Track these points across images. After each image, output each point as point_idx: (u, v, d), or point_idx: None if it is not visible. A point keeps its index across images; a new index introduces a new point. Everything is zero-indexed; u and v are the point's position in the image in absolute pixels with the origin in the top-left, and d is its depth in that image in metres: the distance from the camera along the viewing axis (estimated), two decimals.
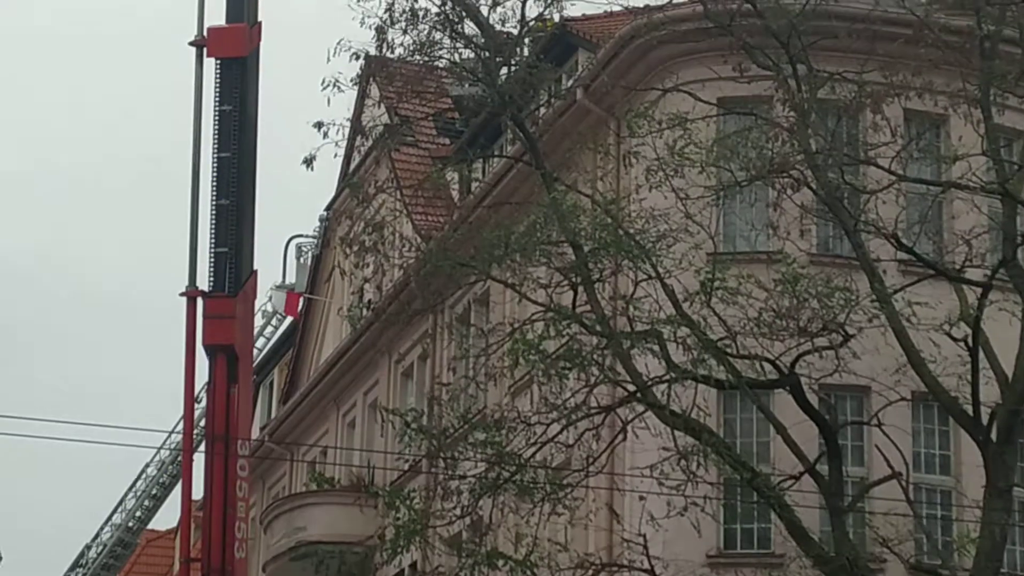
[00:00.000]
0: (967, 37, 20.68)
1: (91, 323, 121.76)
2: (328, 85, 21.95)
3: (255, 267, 23.38)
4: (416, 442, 22.33)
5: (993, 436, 20.03)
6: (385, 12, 21.50)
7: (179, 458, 25.78)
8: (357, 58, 22.31)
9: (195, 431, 23.18)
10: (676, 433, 20.08)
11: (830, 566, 19.71)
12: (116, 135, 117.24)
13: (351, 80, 22.80)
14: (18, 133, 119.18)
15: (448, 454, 21.37)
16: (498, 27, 21.96)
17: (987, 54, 20.29)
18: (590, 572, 20.87)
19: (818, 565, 19.93)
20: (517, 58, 22.86)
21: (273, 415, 43.87)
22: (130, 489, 47.43)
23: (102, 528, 48.22)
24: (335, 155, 26.28)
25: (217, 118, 21.40)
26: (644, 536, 20.42)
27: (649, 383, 20.10)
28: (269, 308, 43.00)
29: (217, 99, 21.41)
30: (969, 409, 20.13)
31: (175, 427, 33.43)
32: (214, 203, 22.51)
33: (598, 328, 20.11)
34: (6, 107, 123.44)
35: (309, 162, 22.92)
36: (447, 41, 22.13)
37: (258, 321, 35.75)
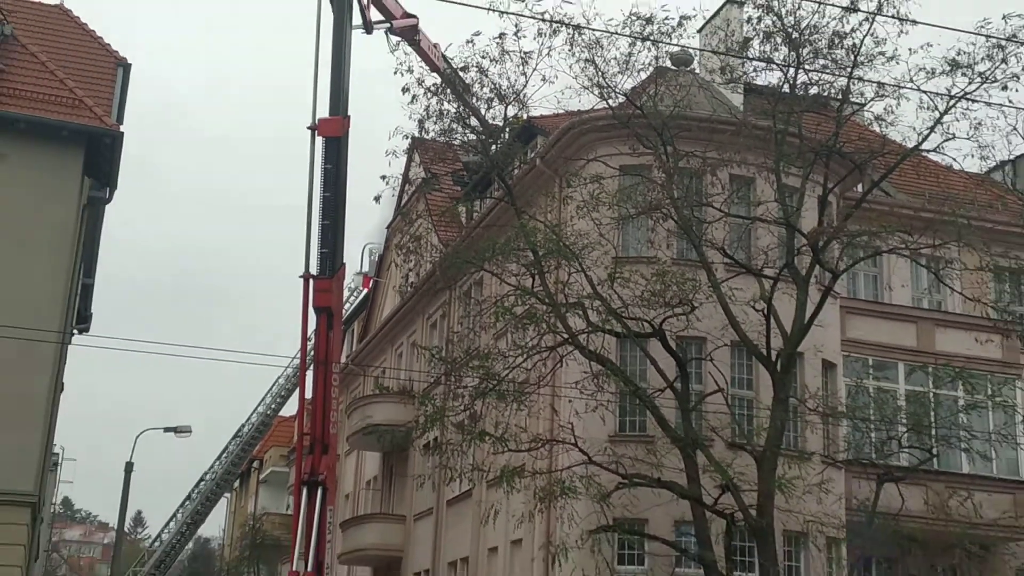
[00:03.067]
0: (767, 132, 20.81)
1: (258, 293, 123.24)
2: (389, 154, 22.17)
3: (344, 261, 23.32)
4: (437, 366, 22.45)
5: (778, 367, 20.29)
6: (423, 110, 21.65)
7: (297, 373, 25.86)
8: (406, 138, 22.43)
9: (307, 357, 23.17)
10: (591, 363, 20.25)
11: (681, 442, 19.85)
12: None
13: (403, 150, 22.94)
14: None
15: (456, 373, 21.43)
16: (491, 121, 22.01)
17: (779, 142, 20.45)
18: (540, 445, 20.97)
19: (674, 442, 20.07)
20: (502, 140, 22.85)
21: (354, 348, 44.08)
22: (268, 391, 47.56)
23: (251, 414, 48.32)
24: (393, 195, 26.48)
25: (323, 173, 21.41)
26: (572, 423, 20.49)
27: (576, 333, 20.11)
28: (352, 285, 43.07)
29: (323, 160, 21.41)
30: (764, 352, 20.34)
31: (295, 355, 33.65)
32: (320, 223, 22.57)
33: (546, 300, 20.11)
34: None
35: (378, 199, 23.12)
36: (460, 128, 22.21)
37: (346, 293, 35.81)
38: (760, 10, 20.11)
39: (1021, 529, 25.58)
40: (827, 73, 20.27)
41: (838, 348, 25.48)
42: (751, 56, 20.90)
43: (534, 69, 20.81)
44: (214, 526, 78.32)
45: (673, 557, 21.18)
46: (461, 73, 21.74)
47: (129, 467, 32.31)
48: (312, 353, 22.85)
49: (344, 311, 35.65)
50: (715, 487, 19.79)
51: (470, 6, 16.09)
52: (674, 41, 20.39)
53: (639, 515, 21.64)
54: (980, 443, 22.40)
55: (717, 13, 26.94)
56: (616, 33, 19.87)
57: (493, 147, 22.52)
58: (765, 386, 21.87)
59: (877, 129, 21.17)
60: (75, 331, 26.30)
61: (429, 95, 21.54)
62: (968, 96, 19.27)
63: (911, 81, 19.25)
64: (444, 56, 22.12)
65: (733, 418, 21.78)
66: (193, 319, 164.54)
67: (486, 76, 21.24)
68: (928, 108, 19.62)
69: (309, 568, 21.37)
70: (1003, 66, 19.14)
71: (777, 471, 19.61)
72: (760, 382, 23.10)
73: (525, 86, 21.02)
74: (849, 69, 19.87)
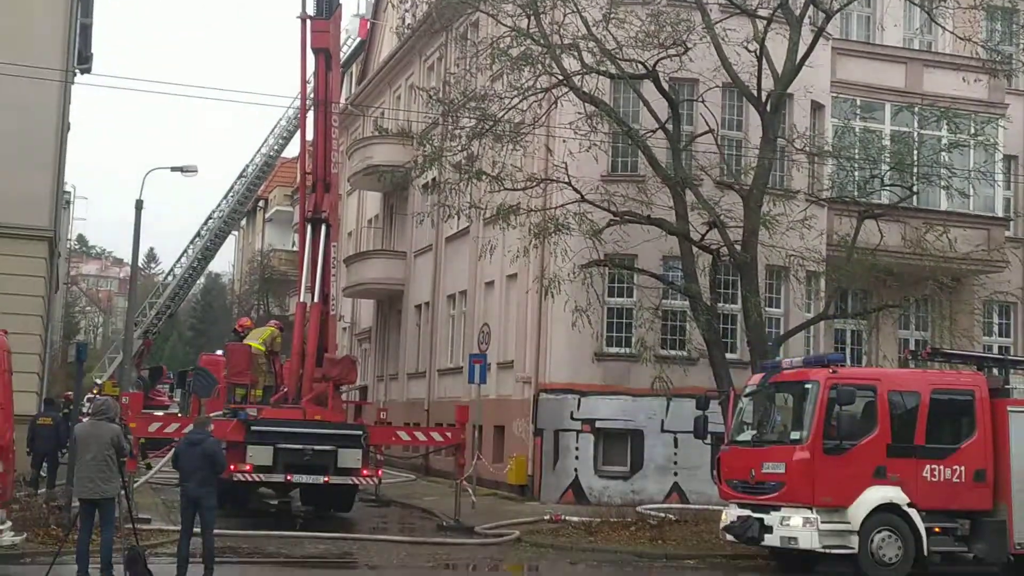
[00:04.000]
0: None
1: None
2: None
3: (340, 2, 22.82)
4: (435, 107, 22.27)
5: (768, 108, 20.22)
6: None
7: (298, 114, 25.57)
8: None
9: (308, 99, 22.97)
10: (585, 104, 20.14)
11: (670, 181, 20.05)
12: None
13: None
14: None
15: (454, 115, 21.08)
16: None
17: None
18: (535, 183, 21.11)
19: (664, 181, 20.25)
20: None
21: (352, 91, 43.50)
22: (271, 132, 47.16)
23: (255, 155, 48.05)
24: None
25: None
26: (566, 163, 20.61)
27: (571, 75, 19.90)
28: (349, 31, 41.82)
29: None
30: (755, 93, 20.20)
31: (295, 96, 33.15)
32: None
33: (542, 41, 19.73)
34: None
35: None
36: None
37: (343, 36, 34.90)
38: None
39: (991, 262, 26.21)
40: None
41: (827, 89, 25.29)
42: None
43: None
44: (224, 262, 79.76)
45: (660, 289, 21.75)
46: None
47: (139, 205, 32.36)
48: (312, 95, 22.73)
49: (342, 54, 35.08)
50: (702, 224, 20.13)
51: None
52: None
53: (629, 250, 22.05)
54: (959, 181, 22.59)
55: None
56: None
57: None
58: (754, 127, 21.90)
59: None
60: (77, 71, 25.98)
61: None
62: None
63: None
64: None
65: (722, 158, 21.88)
66: (194, 61, 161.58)
67: None
68: None
69: (316, 300, 22.04)
70: None
71: (762, 208, 19.89)
72: (749, 123, 23.04)
73: None
74: None
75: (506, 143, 20.19)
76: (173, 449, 15.02)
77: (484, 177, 20.38)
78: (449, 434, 21.26)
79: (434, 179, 25.16)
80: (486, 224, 24.64)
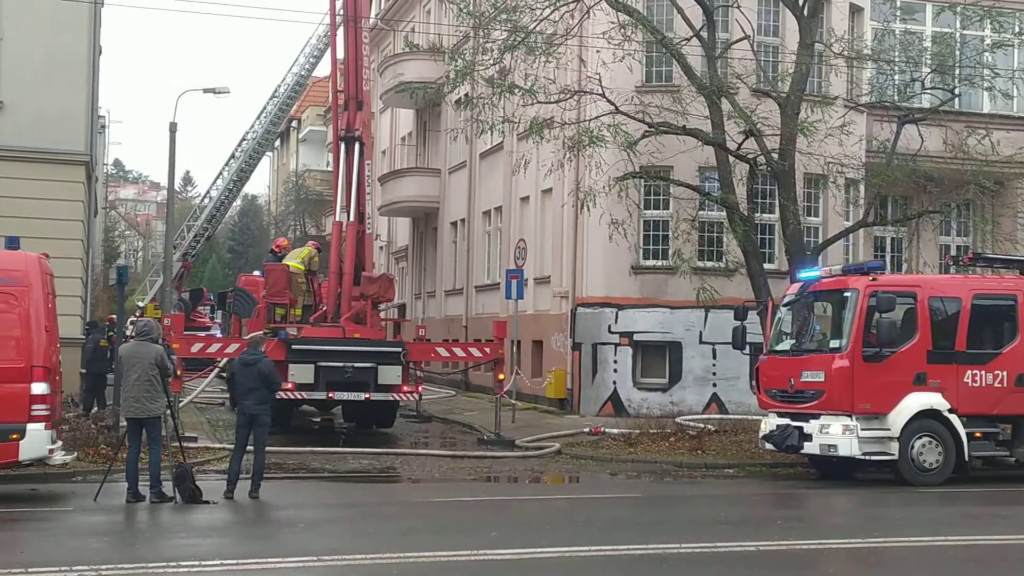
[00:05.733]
0: None
1: None
2: None
3: None
4: (466, 20, 21.96)
5: (805, 12, 19.80)
6: None
7: (328, 32, 25.29)
8: None
9: (337, 15, 22.72)
10: (619, 13, 19.80)
11: (706, 90, 19.75)
12: None
13: None
14: None
15: (485, 28, 20.76)
16: None
17: None
18: (568, 96, 20.81)
19: (699, 90, 19.94)
20: None
21: (382, 6, 42.91)
22: (301, 51, 46.95)
23: (286, 74, 47.87)
24: None
25: None
26: (599, 74, 20.31)
27: None
28: None
29: None
30: None
31: (325, 13, 32.78)
32: None
33: None
34: None
35: None
36: None
37: None
38: None
39: None
40: None
41: None
42: None
43: None
44: (260, 184, 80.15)
45: (697, 201, 21.59)
46: None
47: (173, 127, 32.43)
48: (341, 11, 22.50)
49: None
50: (739, 133, 19.87)
51: None
52: None
53: (664, 162, 21.85)
54: (1003, 82, 22.10)
55: None
56: None
57: None
58: (791, 32, 21.50)
59: None
60: None
61: None
62: None
63: None
64: None
65: (758, 65, 21.53)
66: None
67: None
68: None
69: (351, 218, 22.09)
70: None
71: (800, 115, 19.60)
72: (786, 28, 22.65)
73: None
74: None
75: (539, 55, 19.92)
76: (216, 369, 15.25)
77: (517, 91, 20.15)
78: (488, 349, 21.41)
79: (467, 94, 24.88)
80: (520, 139, 24.46)
